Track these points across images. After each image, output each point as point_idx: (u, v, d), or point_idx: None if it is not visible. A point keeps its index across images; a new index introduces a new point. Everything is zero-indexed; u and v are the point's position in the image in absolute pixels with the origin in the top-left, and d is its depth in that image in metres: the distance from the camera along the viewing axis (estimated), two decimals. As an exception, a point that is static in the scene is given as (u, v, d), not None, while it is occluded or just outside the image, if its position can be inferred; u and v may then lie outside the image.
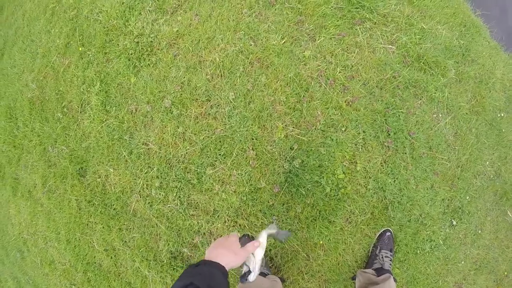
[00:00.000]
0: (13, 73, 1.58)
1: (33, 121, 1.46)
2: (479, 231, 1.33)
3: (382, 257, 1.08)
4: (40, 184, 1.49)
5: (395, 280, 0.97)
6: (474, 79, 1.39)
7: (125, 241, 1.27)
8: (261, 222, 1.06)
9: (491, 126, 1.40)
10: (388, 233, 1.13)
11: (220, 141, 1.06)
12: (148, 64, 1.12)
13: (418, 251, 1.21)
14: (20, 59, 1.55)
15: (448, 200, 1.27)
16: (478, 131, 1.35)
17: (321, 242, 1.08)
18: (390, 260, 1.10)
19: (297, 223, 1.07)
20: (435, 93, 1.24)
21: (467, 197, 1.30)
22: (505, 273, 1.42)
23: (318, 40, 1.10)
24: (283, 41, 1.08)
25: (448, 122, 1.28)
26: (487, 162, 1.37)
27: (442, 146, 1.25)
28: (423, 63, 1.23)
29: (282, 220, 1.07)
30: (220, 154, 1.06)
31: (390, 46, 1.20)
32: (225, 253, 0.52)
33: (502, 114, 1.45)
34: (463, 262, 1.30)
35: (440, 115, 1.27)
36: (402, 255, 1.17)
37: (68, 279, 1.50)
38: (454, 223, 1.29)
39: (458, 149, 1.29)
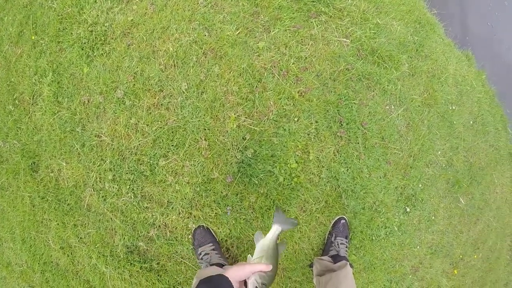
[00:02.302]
0: (-36, 64, 1.53)
1: (-16, 114, 1.42)
2: (433, 217, 1.43)
3: (338, 244, 1.13)
4: (-8, 181, 1.45)
5: (351, 266, 1.03)
6: (427, 74, 1.50)
7: (81, 238, 1.26)
8: (215, 213, 1.09)
9: (443, 118, 1.52)
10: (342, 221, 1.19)
11: (172, 132, 1.08)
12: (102, 53, 1.14)
13: (374, 238, 1.28)
14: (-29, 49, 1.51)
15: (401, 188, 1.36)
16: (430, 123, 1.46)
17: (276, 232, 1.12)
18: (346, 247, 1.15)
19: (252, 212, 1.10)
20: (388, 85, 1.33)
21: (420, 185, 1.40)
22: (460, 256, 1.54)
23: (273, 31, 1.16)
24: (237, 32, 1.13)
25: (401, 114, 1.37)
26: (439, 152, 1.48)
27: (395, 137, 1.34)
28: (377, 56, 1.32)
29: (237, 211, 1.10)
30: (172, 145, 1.08)
31: (345, 40, 1.27)
32: (231, 267, 0.53)
33: (454, 107, 1.58)
34: (418, 247, 1.39)
35: (393, 107, 1.36)
36: (358, 242, 1.24)
37: (26, 281, 1.46)
38: (408, 210, 1.38)
39: (410, 140, 1.38)
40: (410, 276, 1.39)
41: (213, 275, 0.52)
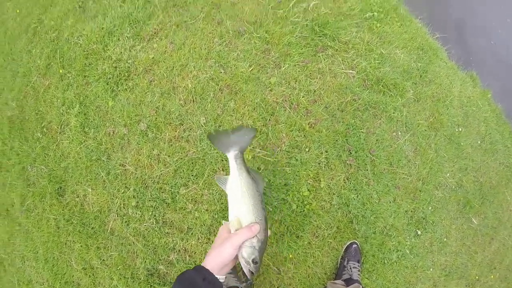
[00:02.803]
0: (-7, 91, 1.65)
1: (12, 140, 1.53)
2: (445, 239, 1.45)
3: (350, 268, 1.19)
4: (18, 203, 1.55)
5: None
6: (431, 98, 1.55)
7: (103, 260, 1.34)
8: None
9: (450, 141, 1.56)
10: (354, 245, 1.24)
11: (192, 163, 1.17)
12: (125, 88, 1.23)
13: (386, 261, 1.32)
14: (0, 77, 1.63)
15: (411, 211, 1.40)
16: (437, 146, 1.51)
17: (290, 256, 1.19)
18: (359, 271, 1.21)
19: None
20: (394, 113, 1.40)
21: (430, 208, 1.44)
22: (476, 277, 1.54)
23: (283, 67, 1.24)
24: (250, 69, 1.21)
25: (408, 139, 1.43)
26: (448, 174, 1.52)
27: (403, 162, 1.39)
28: (382, 85, 1.39)
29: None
30: (192, 175, 1.16)
31: (351, 71, 1.35)
32: (210, 253, 0.43)
33: (460, 129, 1.62)
34: (431, 269, 1.40)
35: (400, 133, 1.42)
36: (370, 266, 1.29)
37: (47, 298, 1.55)
38: (419, 233, 1.41)
39: (418, 164, 1.43)
40: None
41: (189, 269, 0.44)
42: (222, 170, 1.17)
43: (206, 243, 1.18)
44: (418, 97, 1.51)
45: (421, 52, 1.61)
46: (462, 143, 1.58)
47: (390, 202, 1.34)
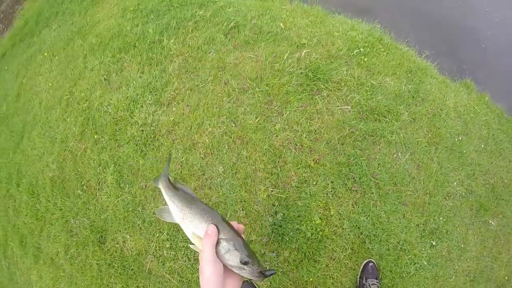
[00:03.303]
0: (34, 155, 2.02)
1: (55, 197, 1.86)
2: (462, 246, 1.54)
3: (369, 286, 1.38)
4: (63, 252, 1.85)
5: None
6: (427, 115, 1.75)
7: (143, 297, 1.60)
8: (257, 270, 1.41)
9: (452, 151, 1.68)
10: (371, 264, 1.44)
11: (216, 206, 1.44)
12: (153, 148, 1.55)
13: (404, 275, 1.47)
14: (40, 143, 1.99)
15: (423, 224, 1.54)
16: (439, 159, 1.66)
17: (310, 279, 1.41)
18: (377, 287, 1.40)
19: (287, 265, 1.41)
20: (391, 136, 1.63)
21: (441, 218, 1.54)
22: (506, 277, 1.58)
23: (285, 114, 1.53)
24: (257, 120, 1.50)
25: (408, 158, 1.64)
26: (455, 183, 1.64)
27: (407, 180, 1.59)
28: (377, 114, 1.64)
29: (274, 265, 1.41)
30: (217, 217, 1.43)
31: (346, 106, 1.62)
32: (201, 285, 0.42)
33: (461, 138, 1.73)
34: (454, 277, 1.49)
35: (400, 154, 1.64)
36: (389, 281, 1.46)
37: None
38: (434, 243, 1.51)
39: (423, 179, 1.62)
40: None
41: None
42: (230, 213, 1.42)
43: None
44: (413, 117, 1.72)
45: (410, 74, 1.85)
46: (464, 151, 1.68)
47: (400, 219, 1.53)
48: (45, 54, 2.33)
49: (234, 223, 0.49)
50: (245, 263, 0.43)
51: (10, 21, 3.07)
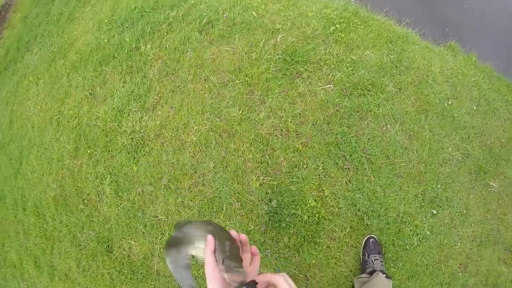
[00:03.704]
0: (34, 178, 2.17)
1: (60, 215, 2.01)
2: (465, 211, 1.57)
3: (372, 261, 1.45)
4: (75, 266, 2.00)
5: (389, 277, 1.31)
6: (412, 84, 1.78)
7: (156, 299, 1.73)
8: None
9: (443, 117, 1.69)
10: (371, 239, 1.51)
11: (211, 201, 1.54)
12: (144, 154, 1.66)
13: (407, 247, 1.53)
14: (38, 165, 2.14)
15: (421, 194, 1.58)
16: (431, 126, 1.67)
17: (313, 262, 1.50)
18: (381, 262, 1.46)
19: (288, 251, 1.50)
20: (378, 109, 1.67)
21: (439, 186, 1.57)
22: None
23: (268, 101, 1.61)
24: (240, 111, 1.59)
25: (398, 129, 1.68)
26: (450, 149, 1.65)
27: (399, 151, 1.64)
28: (360, 88, 1.69)
29: (275, 252, 1.50)
30: (213, 212, 1.54)
31: (328, 85, 1.68)
32: None
33: (451, 102, 1.74)
34: (459, 244, 1.52)
35: (389, 126, 1.69)
36: (393, 255, 1.52)
37: None
38: (435, 212, 1.55)
39: (416, 149, 1.65)
40: (461, 274, 1.51)
41: None
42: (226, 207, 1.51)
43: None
44: (398, 87, 1.76)
45: (391, 44, 1.88)
46: (456, 115, 1.70)
47: (397, 191, 1.59)
48: (30, 78, 2.48)
49: (233, 232, 0.55)
50: (225, 265, 0.47)
51: (-7, 51, 3.24)
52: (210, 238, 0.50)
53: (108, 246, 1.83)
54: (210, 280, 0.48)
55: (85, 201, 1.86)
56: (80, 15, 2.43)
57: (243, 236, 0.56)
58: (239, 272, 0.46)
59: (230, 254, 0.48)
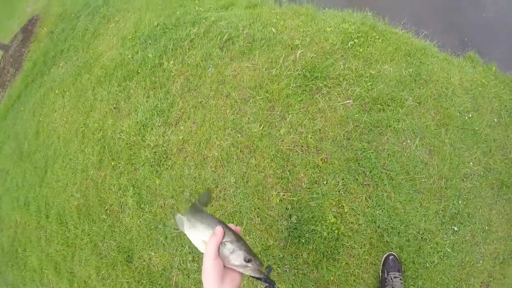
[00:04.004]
0: (58, 186, 2.29)
1: (82, 224, 2.11)
2: (487, 227, 1.54)
3: (392, 279, 1.45)
4: (94, 274, 2.09)
5: None
6: (432, 97, 1.78)
7: (174, 311, 1.78)
8: (277, 273, 1.53)
9: (463, 130, 1.68)
10: (391, 257, 1.51)
11: (232, 216, 1.59)
12: (167, 168, 1.73)
13: (427, 265, 1.52)
14: (63, 175, 2.27)
15: (442, 210, 1.57)
16: (451, 140, 1.66)
17: (332, 279, 1.51)
18: (401, 280, 1.46)
19: (307, 267, 1.52)
20: (398, 124, 1.69)
21: (460, 201, 1.55)
22: None
23: (288, 117, 1.66)
24: (261, 127, 1.65)
25: (418, 144, 1.68)
26: (471, 163, 1.64)
27: (419, 167, 1.64)
28: (380, 103, 1.72)
29: (294, 267, 1.53)
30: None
31: (348, 101, 1.72)
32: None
33: (471, 114, 1.72)
34: (481, 261, 1.50)
35: (409, 141, 1.69)
36: (413, 273, 1.52)
37: None
38: (456, 229, 1.53)
39: (436, 164, 1.65)
40: None
41: None
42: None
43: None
44: (418, 101, 1.76)
45: (409, 57, 1.90)
46: (477, 128, 1.68)
47: (417, 208, 1.58)
48: (57, 91, 2.65)
49: (232, 225, 0.57)
50: (249, 261, 0.50)
51: (20, 64, 3.48)
52: (219, 229, 0.51)
53: (129, 256, 1.90)
54: (212, 269, 0.49)
55: (108, 211, 1.95)
56: (104, 31, 2.59)
57: (239, 229, 0.58)
58: (262, 267, 0.50)
59: (249, 251, 0.51)
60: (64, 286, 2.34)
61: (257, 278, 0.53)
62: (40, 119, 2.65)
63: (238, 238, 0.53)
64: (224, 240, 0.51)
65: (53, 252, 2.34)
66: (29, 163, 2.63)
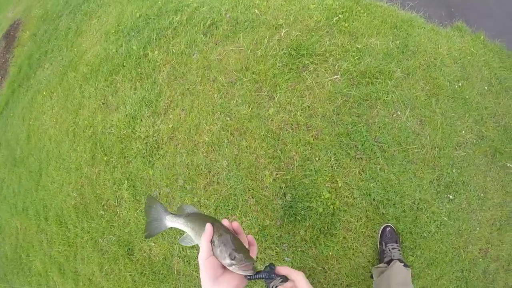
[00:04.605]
0: (54, 188, 2.35)
1: (81, 222, 2.17)
2: (482, 195, 1.59)
3: (390, 250, 1.50)
4: (98, 271, 2.16)
5: (407, 266, 1.36)
6: (420, 68, 1.81)
7: (178, 298, 1.85)
8: (276, 252, 1.59)
9: (454, 99, 1.72)
10: (388, 228, 1.56)
11: (227, 199, 1.65)
12: (159, 157, 1.78)
13: (425, 234, 1.57)
14: (57, 176, 2.33)
15: (436, 180, 1.61)
16: (442, 110, 1.70)
17: (330, 253, 1.57)
18: (399, 250, 1.51)
19: (305, 244, 1.58)
20: (387, 97, 1.73)
21: (454, 170, 1.61)
22: None
23: (276, 97, 1.70)
24: (250, 109, 1.69)
25: (409, 115, 1.72)
26: (463, 131, 1.68)
27: (411, 137, 1.68)
28: (368, 77, 1.75)
29: (292, 245, 1.58)
30: (229, 209, 1.64)
31: (335, 76, 1.75)
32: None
33: (461, 83, 1.76)
34: (478, 229, 1.55)
35: (399, 112, 1.73)
36: (410, 243, 1.57)
37: None
38: (451, 197, 1.58)
39: (428, 134, 1.68)
40: (481, 260, 1.55)
41: None
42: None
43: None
44: (406, 72, 1.79)
45: (396, 29, 1.92)
46: (467, 96, 1.73)
47: (411, 178, 1.63)
48: (44, 93, 2.69)
49: (225, 221, 0.57)
50: (233, 258, 0.48)
51: (5, 70, 3.52)
52: (209, 226, 0.52)
53: (129, 249, 1.97)
54: (205, 267, 0.49)
55: (105, 207, 2.01)
56: (87, 28, 2.62)
57: (236, 224, 0.57)
58: (250, 263, 0.47)
59: (236, 247, 0.50)
60: (69, 286, 2.42)
61: (250, 278, 0.49)
62: (30, 123, 2.70)
63: (225, 233, 0.52)
64: (213, 238, 0.51)
65: (55, 253, 2.41)
66: (24, 168, 2.69)
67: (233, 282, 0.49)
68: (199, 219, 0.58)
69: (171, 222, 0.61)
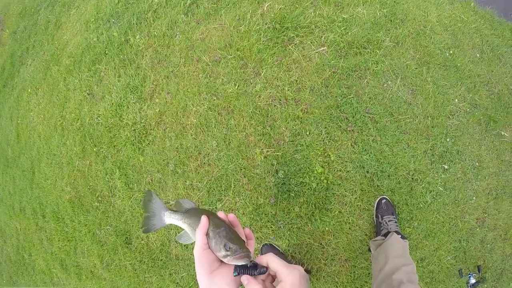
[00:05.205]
0: (48, 184, 2.39)
1: (77, 216, 2.22)
2: (477, 164, 1.62)
3: (386, 222, 1.53)
4: (99, 263, 2.22)
5: (404, 237, 1.40)
6: (410, 36, 1.80)
7: (177, 283, 1.91)
8: (272, 230, 1.63)
9: (445, 67, 1.72)
10: (383, 200, 1.58)
11: (219, 180, 1.67)
12: (148, 143, 1.80)
13: (421, 205, 1.60)
14: (50, 172, 2.36)
15: (430, 150, 1.63)
16: (434, 78, 1.70)
17: (327, 229, 1.60)
18: (395, 222, 1.54)
19: (300, 220, 1.61)
20: (376, 67, 1.72)
21: (448, 139, 1.62)
22: None
23: (263, 72, 1.70)
24: (236, 86, 1.69)
25: (400, 85, 1.72)
26: (456, 100, 1.69)
27: (403, 107, 1.69)
28: (356, 47, 1.74)
29: (288, 223, 1.62)
30: (222, 190, 1.67)
31: (322, 48, 1.74)
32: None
33: (452, 51, 1.76)
34: (475, 198, 1.59)
35: (390, 82, 1.73)
36: (406, 215, 1.60)
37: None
38: (446, 167, 1.61)
39: (420, 103, 1.69)
40: (478, 229, 1.59)
41: None
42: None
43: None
44: (395, 41, 1.78)
45: None
46: (459, 64, 1.73)
47: (405, 149, 1.64)
48: (29, 90, 2.70)
49: (221, 213, 0.57)
50: (228, 249, 0.48)
51: (-11, 71, 3.52)
52: (204, 218, 0.52)
53: (127, 238, 2.02)
54: (199, 260, 0.50)
55: (99, 198, 2.05)
56: (66, 19, 2.60)
57: (232, 216, 0.57)
58: (245, 253, 0.47)
59: (231, 238, 0.50)
60: (73, 281, 2.50)
61: (242, 271, 0.48)
62: (18, 122, 2.73)
63: (220, 226, 0.52)
64: (208, 231, 0.52)
65: (56, 250, 2.48)
66: (16, 168, 2.74)
67: (229, 276, 0.49)
68: (195, 214, 0.58)
69: (169, 218, 0.61)
